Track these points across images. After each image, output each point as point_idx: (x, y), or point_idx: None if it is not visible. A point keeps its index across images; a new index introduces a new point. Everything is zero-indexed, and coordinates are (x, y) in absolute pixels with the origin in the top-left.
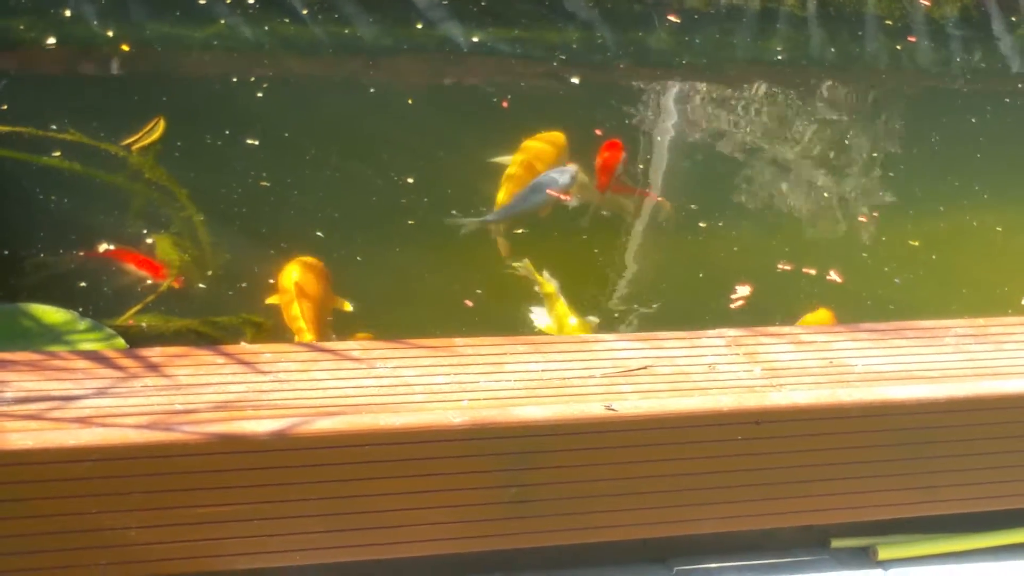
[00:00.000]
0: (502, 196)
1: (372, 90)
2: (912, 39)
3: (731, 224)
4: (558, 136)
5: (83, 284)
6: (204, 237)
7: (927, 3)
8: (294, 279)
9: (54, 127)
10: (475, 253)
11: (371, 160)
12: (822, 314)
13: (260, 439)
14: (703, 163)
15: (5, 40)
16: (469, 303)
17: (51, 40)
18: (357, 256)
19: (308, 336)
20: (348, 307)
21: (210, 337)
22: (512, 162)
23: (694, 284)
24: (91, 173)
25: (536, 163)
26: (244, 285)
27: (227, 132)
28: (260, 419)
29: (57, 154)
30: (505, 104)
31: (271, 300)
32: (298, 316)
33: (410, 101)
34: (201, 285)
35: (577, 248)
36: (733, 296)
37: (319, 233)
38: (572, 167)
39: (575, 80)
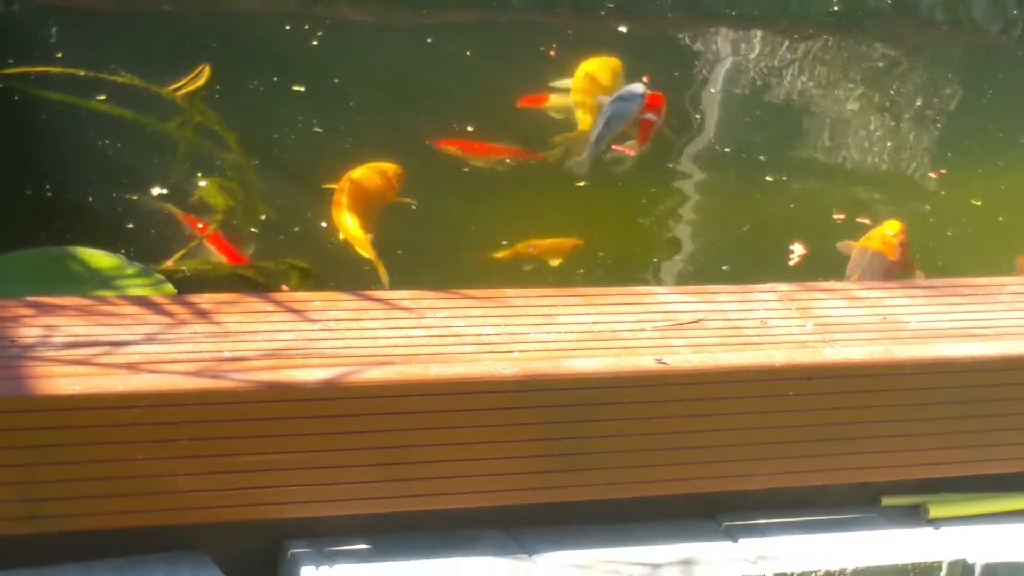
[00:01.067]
0: (584, 121)
1: (428, 39)
2: None
3: (786, 175)
4: (613, 60)
5: (129, 226)
6: (253, 181)
7: None
8: (350, 174)
9: (105, 68)
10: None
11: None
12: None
13: (309, 388)
14: (758, 116)
15: None
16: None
17: None
18: (411, 204)
19: (352, 228)
20: (413, 204)
21: (254, 282)
22: (574, 89)
23: (747, 237)
24: (141, 120)
25: (595, 88)
26: (294, 230)
27: (275, 78)
28: (309, 368)
29: (102, 97)
30: (552, 53)
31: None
32: (342, 205)
33: (468, 53)
34: (253, 229)
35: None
36: (790, 254)
37: None
38: (639, 85)
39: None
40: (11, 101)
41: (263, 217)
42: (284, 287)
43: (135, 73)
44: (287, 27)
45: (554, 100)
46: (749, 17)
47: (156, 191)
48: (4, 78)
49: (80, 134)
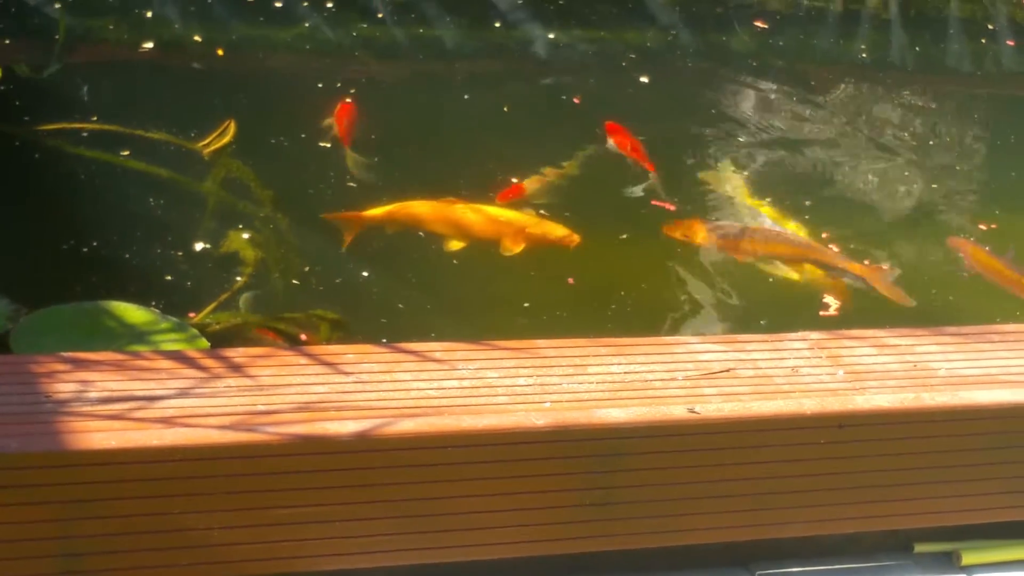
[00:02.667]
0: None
1: (465, 96)
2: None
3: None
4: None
5: (163, 280)
6: (285, 235)
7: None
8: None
9: (136, 123)
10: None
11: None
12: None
13: (342, 440)
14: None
15: (89, 39)
16: (571, 280)
17: (144, 42)
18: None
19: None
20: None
21: (283, 332)
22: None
23: (779, 293)
24: (176, 177)
25: None
26: (326, 282)
27: (304, 134)
28: (342, 420)
29: (126, 152)
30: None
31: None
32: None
33: (506, 109)
34: (281, 283)
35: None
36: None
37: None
38: None
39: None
40: (43, 157)
41: (297, 270)
42: (306, 336)
43: (166, 129)
44: (319, 84)
45: (530, 186)
46: (772, 67)
47: (192, 244)
48: (36, 134)
49: (112, 189)
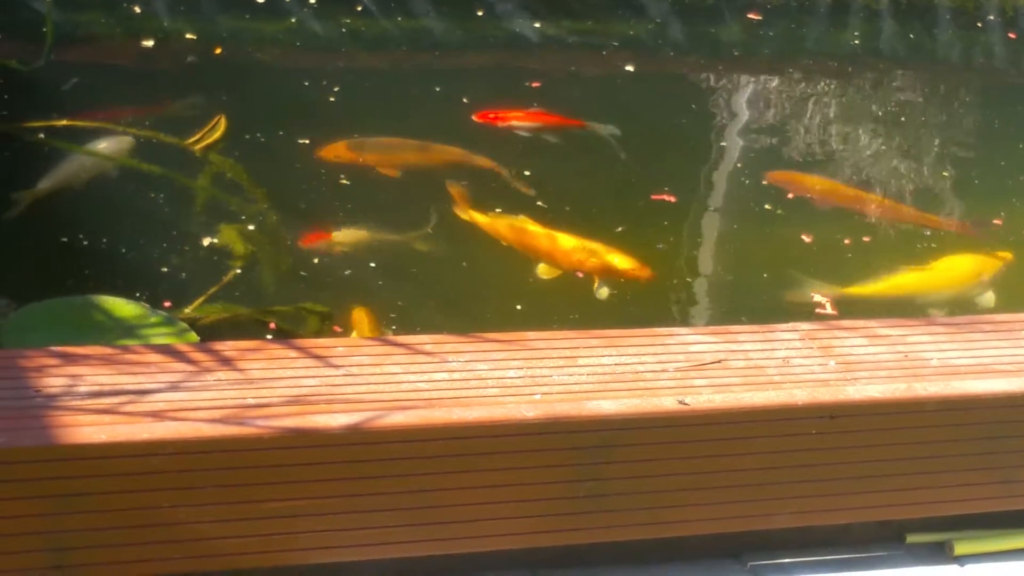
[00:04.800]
0: None
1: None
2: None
3: (797, 214)
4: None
5: (152, 274)
6: (274, 229)
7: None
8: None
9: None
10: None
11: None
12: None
13: (333, 433)
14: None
15: (77, 35)
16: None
17: (133, 37)
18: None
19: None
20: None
21: (276, 328)
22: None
23: (765, 281)
24: (169, 174)
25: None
26: (309, 276)
27: (291, 128)
28: (333, 413)
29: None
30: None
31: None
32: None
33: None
34: (270, 276)
35: None
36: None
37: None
38: None
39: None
40: (34, 152)
41: (287, 264)
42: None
43: (155, 124)
44: (305, 83)
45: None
46: (759, 56)
47: (182, 239)
48: (28, 131)
49: (103, 185)
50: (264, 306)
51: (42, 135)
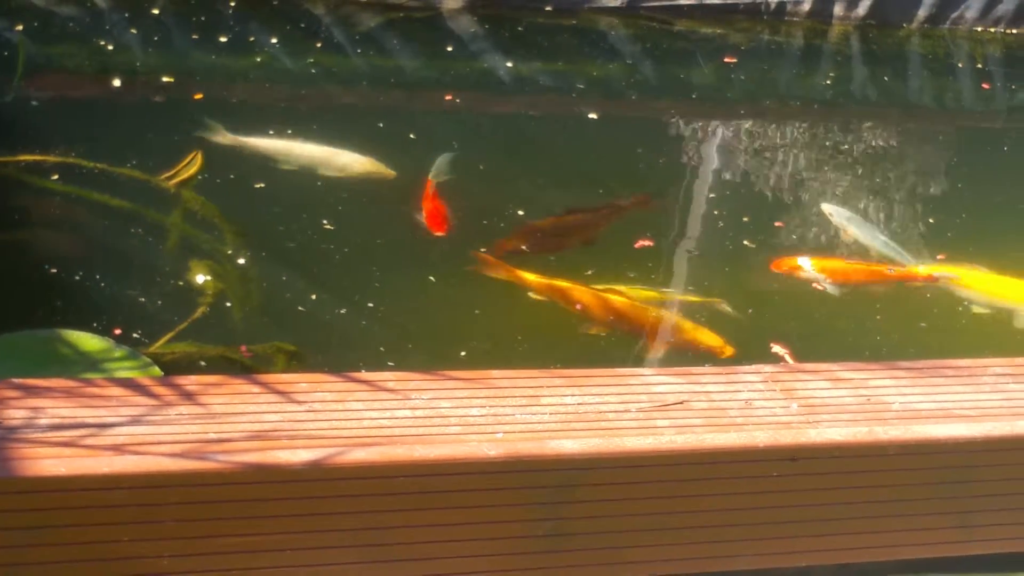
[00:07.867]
0: None
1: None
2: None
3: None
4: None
5: (118, 310)
6: (244, 267)
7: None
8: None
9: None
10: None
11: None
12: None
13: (294, 469)
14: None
15: (50, 67)
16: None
17: (104, 72)
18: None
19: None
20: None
21: (241, 364)
22: None
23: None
24: (140, 210)
25: None
26: (284, 313)
27: (267, 165)
28: (295, 449)
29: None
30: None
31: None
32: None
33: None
34: (238, 314)
35: None
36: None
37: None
38: None
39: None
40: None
41: (257, 302)
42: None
43: (129, 162)
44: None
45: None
46: (729, 100)
47: (153, 275)
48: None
49: (73, 220)
50: (232, 344)
51: (17, 169)
